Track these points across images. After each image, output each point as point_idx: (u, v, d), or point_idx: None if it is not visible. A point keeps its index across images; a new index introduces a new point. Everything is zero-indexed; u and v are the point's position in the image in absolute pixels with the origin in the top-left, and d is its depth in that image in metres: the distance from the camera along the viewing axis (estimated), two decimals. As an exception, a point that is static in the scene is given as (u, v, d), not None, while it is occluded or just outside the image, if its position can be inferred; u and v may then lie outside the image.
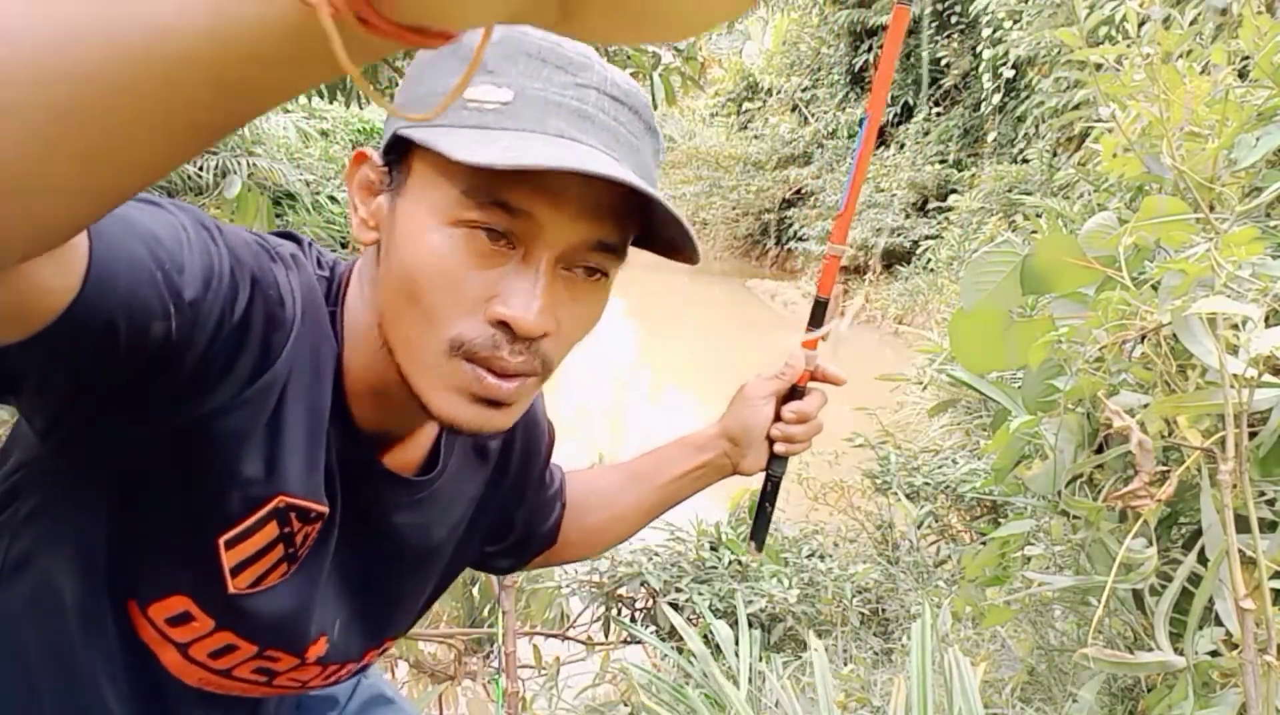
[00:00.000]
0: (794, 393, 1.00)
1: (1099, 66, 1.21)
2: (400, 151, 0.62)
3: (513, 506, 0.93)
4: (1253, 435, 1.09)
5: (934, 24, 13.53)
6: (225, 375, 0.58)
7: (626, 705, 2.63)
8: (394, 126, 0.62)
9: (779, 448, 0.99)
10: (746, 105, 18.19)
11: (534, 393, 0.66)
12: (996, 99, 11.79)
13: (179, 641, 0.67)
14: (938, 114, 13.94)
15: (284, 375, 0.61)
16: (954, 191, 12.41)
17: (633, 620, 3.37)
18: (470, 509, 0.85)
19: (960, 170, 13.00)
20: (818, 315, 1.01)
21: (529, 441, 0.91)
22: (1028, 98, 10.31)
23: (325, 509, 0.67)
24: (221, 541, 0.63)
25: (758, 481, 1.04)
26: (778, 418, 0.99)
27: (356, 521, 0.72)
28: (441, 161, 0.57)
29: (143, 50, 0.30)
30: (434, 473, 0.77)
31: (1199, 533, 1.11)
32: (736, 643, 2.20)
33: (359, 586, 0.76)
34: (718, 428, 1.00)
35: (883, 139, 14.78)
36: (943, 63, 13.38)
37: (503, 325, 0.60)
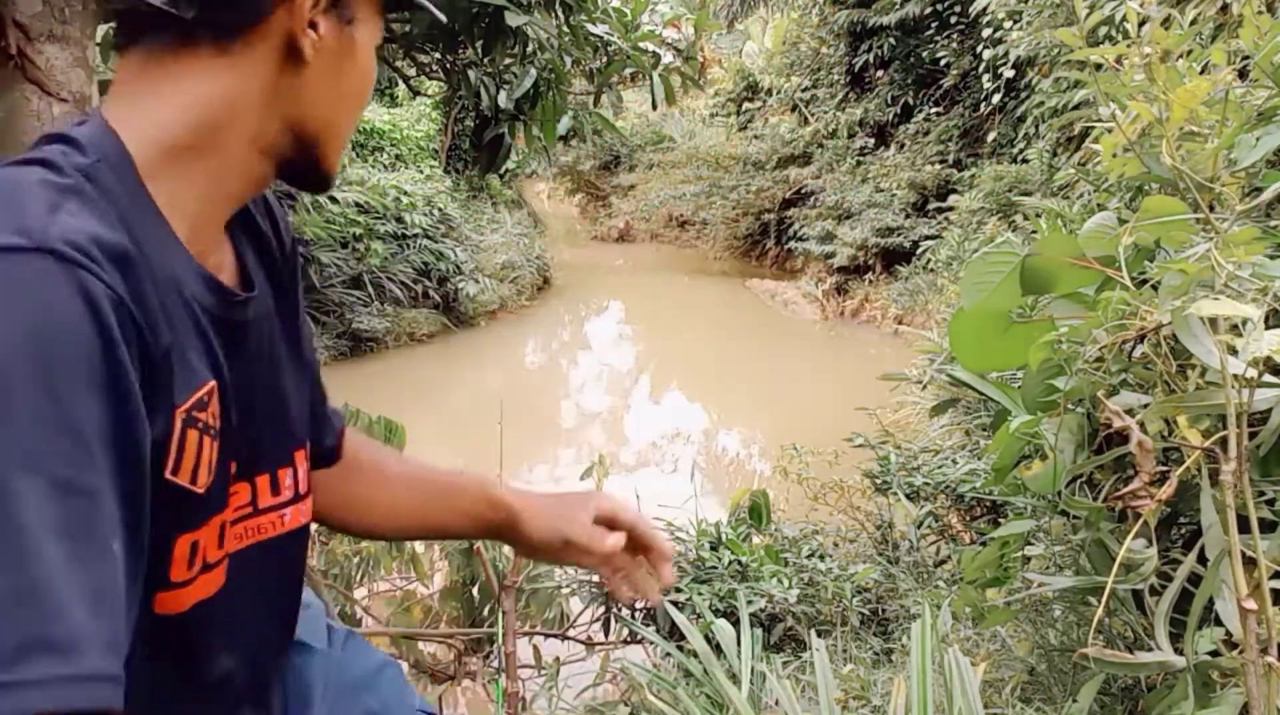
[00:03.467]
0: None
1: (1099, 66, 1.21)
2: None
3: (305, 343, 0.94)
4: (1252, 435, 1.09)
5: (934, 24, 13.53)
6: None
7: (627, 705, 2.63)
8: None
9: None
10: (746, 105, 18.14)
11: None
12: (996, 99, 11.78)
13: (209, 562, 0.73)
14: (937, 114, 13.92)
15: (153, 342, 0.63)
16: (954, 191, 12.40)
17: (632, 620, 3.37)
18: (285, 317, 0.87)
19: (960, 170, 12.99)
20: None
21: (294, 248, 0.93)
22: (1028, 98, 10.30)
23: (212, 382, 0.71)
24: (169, 476, 0.66)
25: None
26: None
27: (236, 358, 0.75)
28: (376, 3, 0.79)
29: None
30: (254, 287, 0.80)
31: (1199, 533, 1.11)
32: (738, 642, 2.20)
33: (259, 407, 0.79)
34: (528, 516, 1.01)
35: (883, 139, 14.77)
36: (942, 63, 13.37)
37: None
